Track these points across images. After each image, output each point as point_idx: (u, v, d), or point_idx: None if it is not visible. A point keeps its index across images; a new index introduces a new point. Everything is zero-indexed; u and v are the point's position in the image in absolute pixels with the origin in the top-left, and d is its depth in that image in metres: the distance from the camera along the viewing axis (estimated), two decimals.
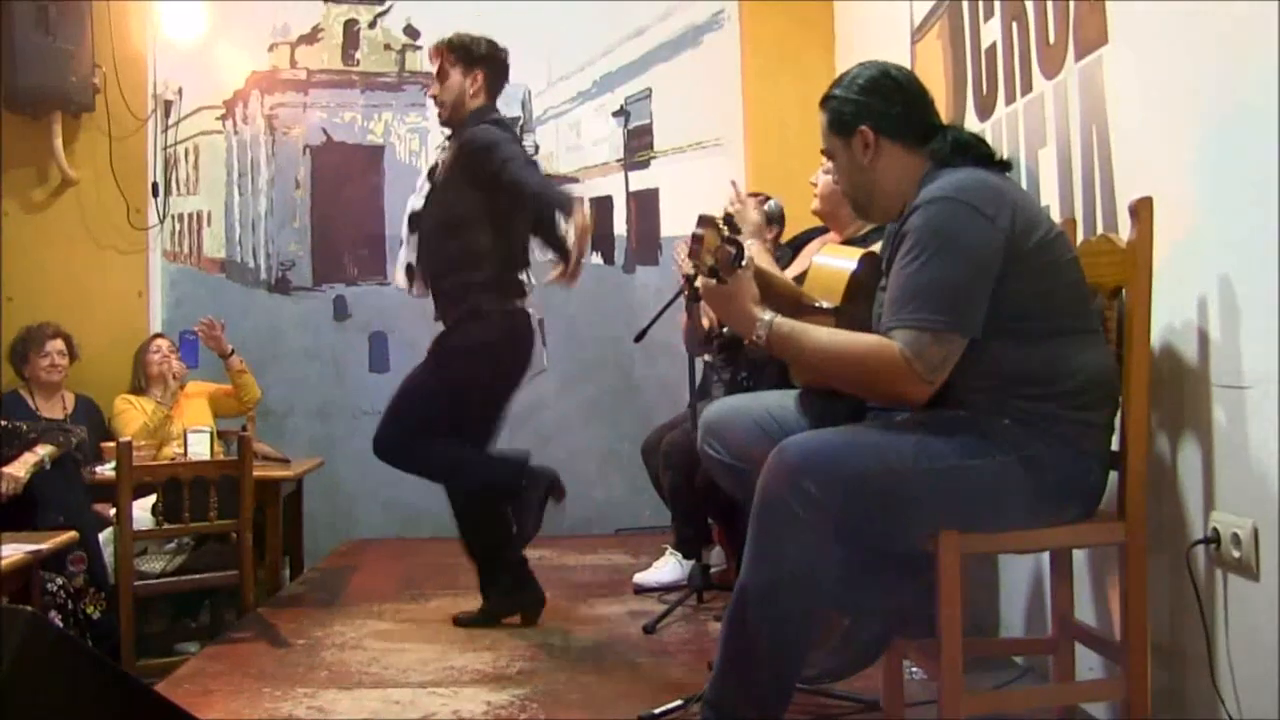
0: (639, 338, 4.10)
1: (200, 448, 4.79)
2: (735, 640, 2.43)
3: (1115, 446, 2.49)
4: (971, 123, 3.93)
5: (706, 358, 4.41)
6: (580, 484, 6.15)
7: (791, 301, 2.65)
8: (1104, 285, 2.57)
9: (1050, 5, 3.25)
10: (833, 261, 2.78)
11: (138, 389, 5.58)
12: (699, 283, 2.60)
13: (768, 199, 4.49)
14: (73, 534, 3.80)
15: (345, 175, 6.39)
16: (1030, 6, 3.40)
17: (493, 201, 4.10)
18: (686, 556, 4.65)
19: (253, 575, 4.51)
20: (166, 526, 4.35)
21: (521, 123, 6.27)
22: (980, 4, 3.87)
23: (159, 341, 5.71)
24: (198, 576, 4.50)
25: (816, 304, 2.65)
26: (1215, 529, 2.42)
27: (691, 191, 6.11)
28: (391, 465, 4.26)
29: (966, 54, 4.03)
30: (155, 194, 6.24)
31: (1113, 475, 2.49)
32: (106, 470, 4.67)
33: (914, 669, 3.11)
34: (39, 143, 5.96)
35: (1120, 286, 2.52)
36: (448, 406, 4.15)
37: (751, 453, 2.53)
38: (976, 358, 2.37)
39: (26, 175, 6.05)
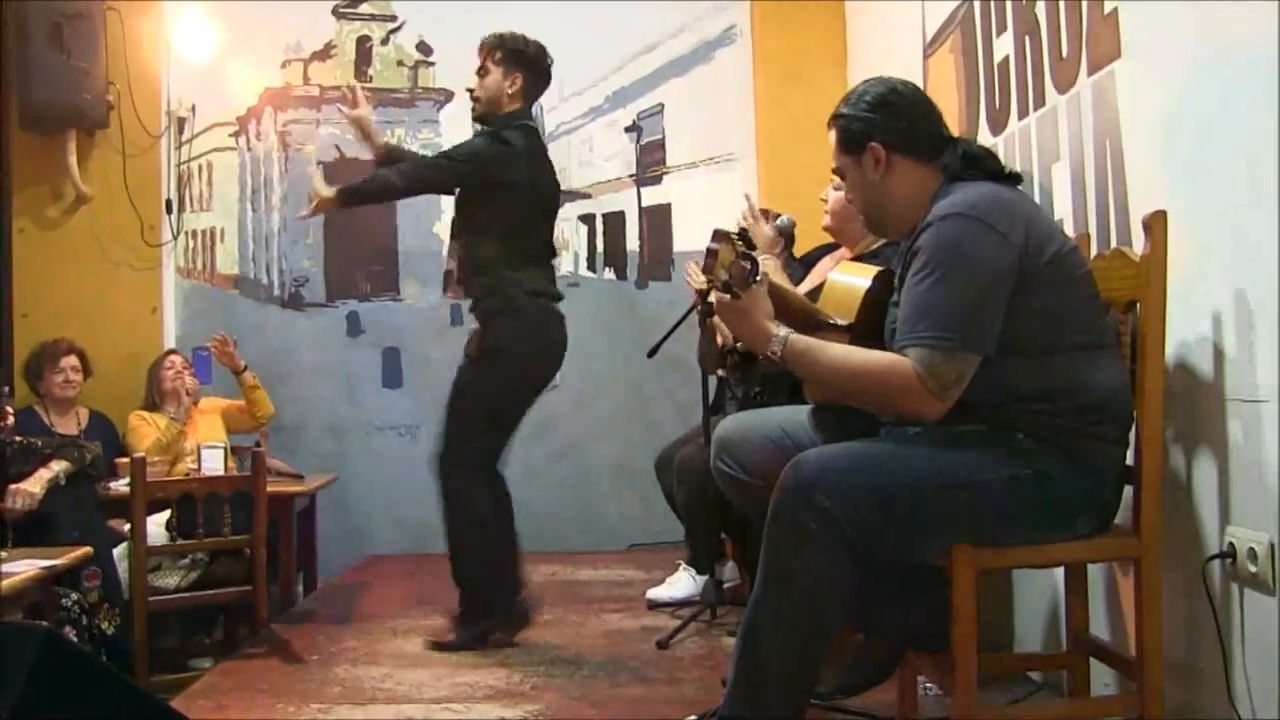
0: (652, 353, 4.11)
1: (214, 463, 4.81)
2: (748, 656, 2.43)
3: (1130, 461, 2.49)
4: (984, 137, 3.93)
5: (720, 373, 4.41)
6: (593, 499, 6.19)
7: (805, 318, 2.66)
8: (1118, 299, 2.57)
9: (1063, 20, 3.26)
10: (847, 279, 2.79)
11: (151, 405, 5.60)
12: (713, 298, 2.61)
13: (779, 215, 4.50)
14: (87, 550, 3.82)
15: None
16: (1043, 21, 3.41)
17: (496, 204, 4.14)
18: (700, 572, 4.65)
19: (266, 591, 4.52)
20: (180, 542, 4.37)
21: None
22: (993, 18, 3.88)
23: (172, 358, 5.73)
24: (211, 592, 4.52)
25: (830, 320, 2.66)
26: (1231, 543, 2.42)
27: (704, 207, 6.14)
28: (440, 481, 4.22)
29: (979, 68, 4.03)
30: (169, 210, 6.27)
31: (1127, 490, 2.49)
32: (120, 486, 4.68)
33: (928, 685, 3.11)
34: (53, 160, 6.00)
35: (1134, 301, 2.52)
36: (493, 414, 4.18)
37: (765, 468, 2.53)
38: (991, 373, 2.37)
39: (41, 192, 6.09)
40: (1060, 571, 2.96)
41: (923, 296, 2.38)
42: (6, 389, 4.47)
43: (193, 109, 6.34)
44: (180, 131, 6.32)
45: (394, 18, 6.48)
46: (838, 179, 3.71)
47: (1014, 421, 2.40)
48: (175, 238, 6.30)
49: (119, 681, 2.29)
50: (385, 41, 6.49)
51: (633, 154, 6.46)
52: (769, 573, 2.38)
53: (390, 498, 6.16)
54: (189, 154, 6.35)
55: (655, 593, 4.78)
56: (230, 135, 6.40)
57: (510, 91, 4.28)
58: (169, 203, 6.27)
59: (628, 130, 6.45)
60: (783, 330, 2.50)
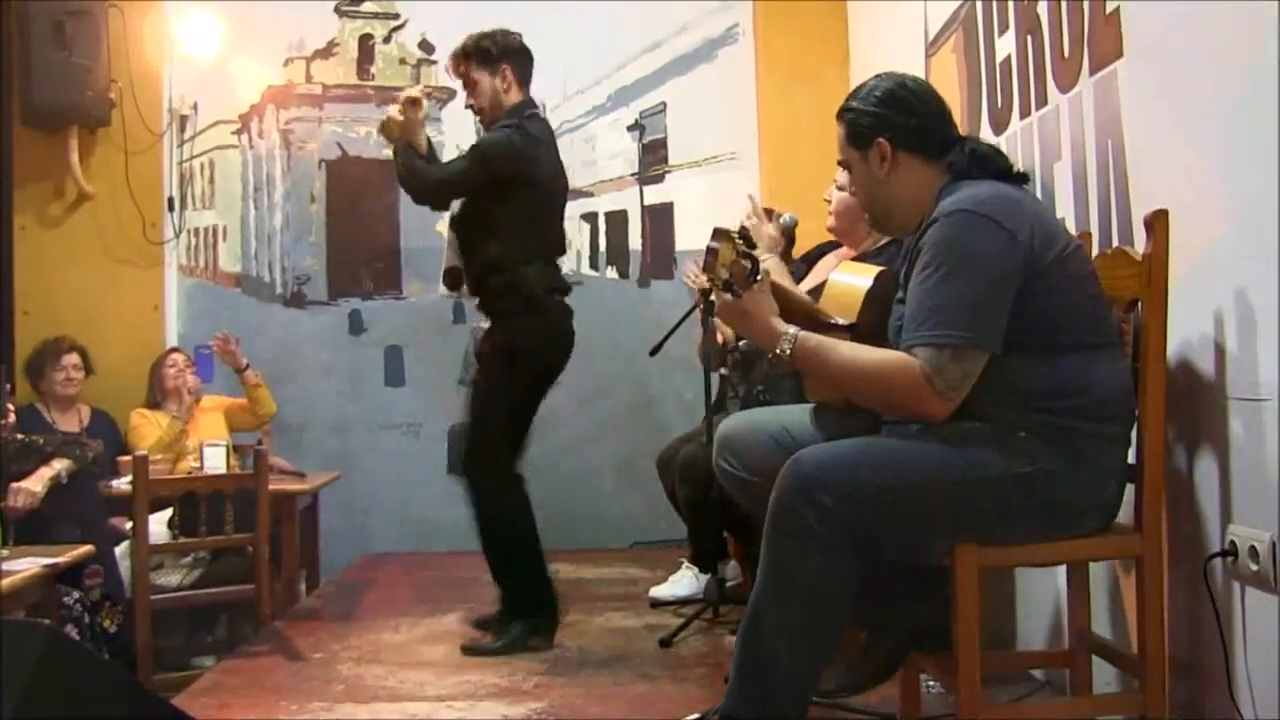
0: (654, 351, 4.12)
1: (216, 461, 4.82)
2: (750, 654, 2.43)
3: (1132, 459, 2.50)
4: (986, 136, 3.94)
5: (723, 371, 4.42)
6: (595, 498, 6.19)
7: (807, 317, 2.66)
8: (1120, 298, 2.58)
9: (1065, 19, 3.27)
10: (848, 278, 2.79)
11: (153, 403, 5.62)
12: (714, 297, 2.61)
13: (781, 214, 4.51)
14: (89, 548, 3.83)
15: (360, 189, 6.42)
16: (1045, 20, 3.41)
17: (516, 199, 4.12)
18: (702, 570, 4.65)
19: (269, 589, 4.53)
20: (182, 540, 4.38)
21: None
22: (995, 17, 3.88)
23: (174, 356, 5.74)
24: (214, 590, 4.53)
25: (833, 320, 2.66)
26: (1233, 542, 2.42)
27: (706, 206, 6.15)
28: (469, 484, 4.20)
29: (981, 67, 4.04)
30: (171, 208, 6.28)
31: (1130, 488, 2.50)
32: (123, 484, 4.70)
33: (931, 683, 3.11)
34: (55, 157, 6.02)
35: (1136, 299, 2.53)
36: (519, 410, 4.18)
37: (766, 467, 2.53)
38: (995, 371, 2.38)
39: (43, 190, 6.10)
40: (1062, 570, 2.97)
41: (929, 294, 2.39)
42: (8, 387, 4.48)
43: (195, 106, 6.35)
44: (182, 129, 6.33)
45: (396, 16, 6.49)
46: (841, 179, 3.75)
47: (1017, 420, 2.40)
48: (177, 235, 6.31)
49: (122, 680, 2.30)
50: (388, 40, 6.50)
51: (635, 152, 6.46)
52: (770, 571, 2.39)
53: (393, 496, 6.17)
54: (191, 152, 6.36)
55: (658, 591, 4.78)
56: (233, 133, 6.42)
57: (505, 87, 4.25)
58: (171, 200, 6.28)
59: (630, 129, 6.46)
60: (791, 329, 2.51)
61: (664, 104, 6.44)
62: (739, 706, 2.44)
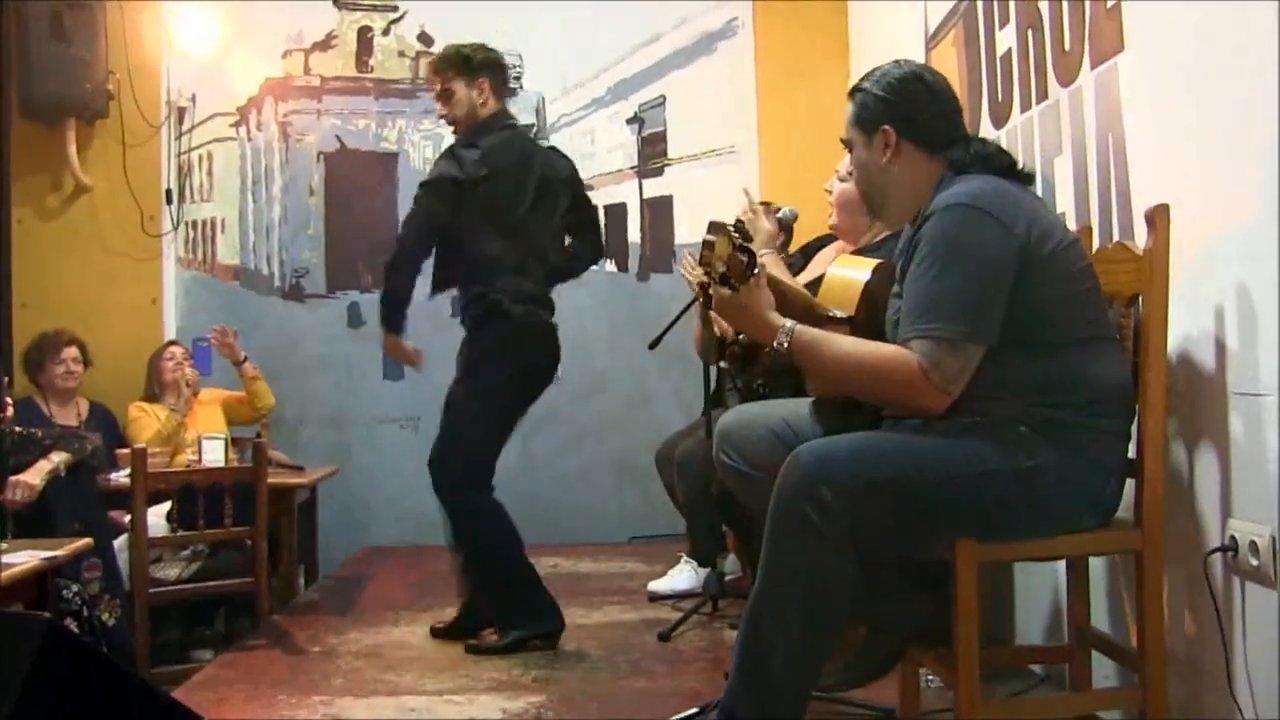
0: (653, 345, 4.12)
1: (215, 455, 4.82)
2: (750, 649, 2.43)
3: (1132, 454, 2.50)
4: (987, 130, 3.94)
5: (722, 365, 4.41)
6: (594, 492, 6.20)
7: (805, 311, 2.66)
8: (1120, 293, 2.58)
9: (1066, 13, 3.26)
10: (847, 272, 2.79)
11: (151, 396, 5.61)
12: (711, 291, 2.60)
13: (779, 207, 4.50)
14: (88, 541, 3.81)
15: (359, 182, 6.42)
16: (1045, 14, 3.41)
17: (460, 216, 4.11)
18: (701, 564, 4.65)
19: (267, 583, 4.53)
20: (181, 534, 4.39)
21: (536, 129, 6.29)
22: (995, 11, 3.88)
23: (173, 349, 5.74)
24: (212, 584, 4.54)
25: (831, 313, 2.66)
26: (1233, 537, 2.43)
27: (705, 199, 6.14)
28: (443, 501, 4.17)
29: (981, 61, 4.04)
30: (169, 201, 6.28)
31: (1129, 483, 2.50)
32: (121, 477, 4.69)
33: (930, 677, 3.11)
34: (53, 150, 6.02)
35: (1136, 294, 2.53)
36: (493, 416, 4.16)
37: (767, 461, 2.53)
38: (993, 366, 2.38)
39: (40, 182, 6.10)
40: (1062, 565, 2.97)
41: (926, 289, 2.39)
42: (6, 380, 4.47)
43: (193, 99, 6.34)
44: (181, 121, 6.33)
45: (395, 8, 6.48)
46: (843, 169, 3.75)
47: (1016, 414, 2.40)
48: (175, 228, 6.31)
49: (120, 673, 2.29)
50: (386, 32, 6.49)
51: (634, 146, 6.46)
52: (771, 566, 2.39)
53: (391, 489, 6.17)
54: (189, 144, 6.36)
55: (657, 585, 4.79)
56: (231, 125, 6.41)
57: (481, 99, 4.23)
58: (169, 193, 6.28)
59: (629, 122, 6.45)
60: (788, 322, 2.50)
61: (663, 97, 6.44)
62: (739, 701, 2.44)
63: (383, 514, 6.22)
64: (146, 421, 5.44)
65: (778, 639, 2.39)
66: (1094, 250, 2.80)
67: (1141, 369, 2.46)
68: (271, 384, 5.79)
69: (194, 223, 6.38)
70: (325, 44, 6.46)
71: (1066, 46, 3.27)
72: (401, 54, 6.48)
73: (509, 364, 4.14)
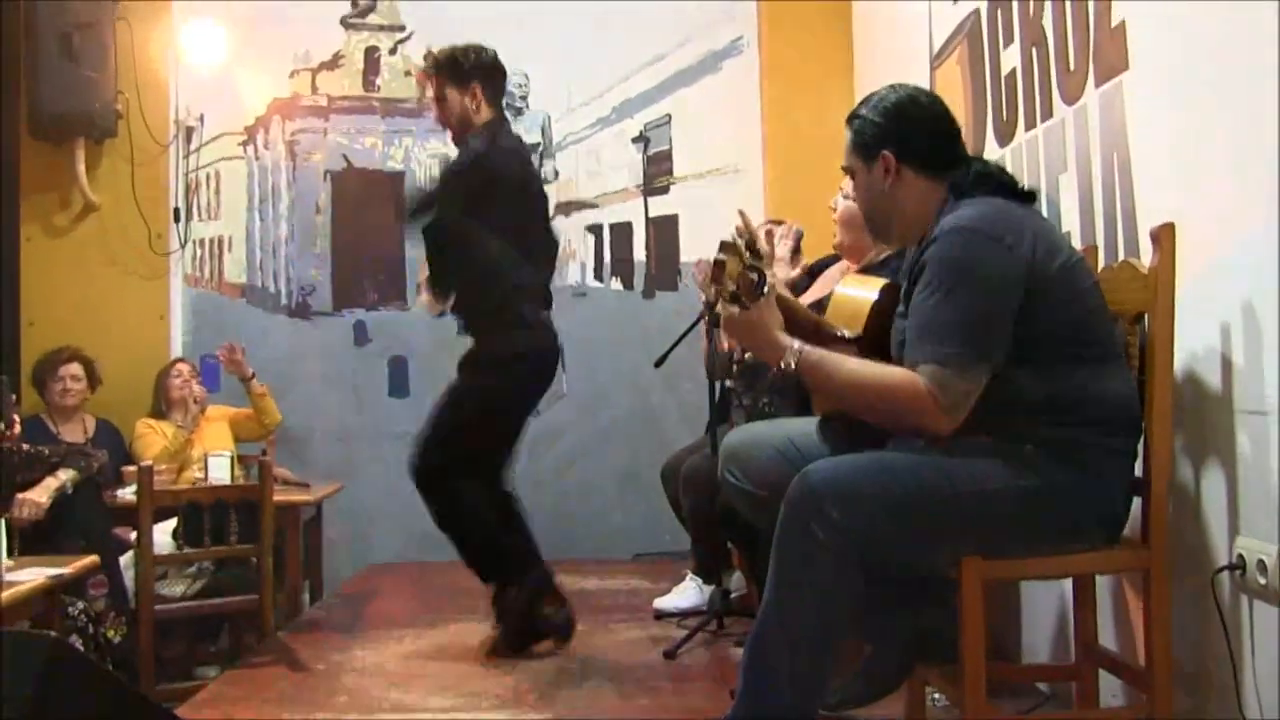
0: (659, 362, 4.11)
1: (221, 472, 4.81)
2: (757, 666, 2.42)
3: (1139, 472, 2.48)
4: (991, 149, 3.94)
5: (728, 383, 4.41)
6: (599, 508, 6.18)
7: (812, 330, 2.65)
8: (1126, 311, 2.57)
9: (1070, 31, 3.26)
10: (854, 291, 2.78)
11: (158, 413, 5.61)
12: (720, 309, 2.60)
13: (780, 222, 4.51)
14: (94, 559, 3.82)
15: (365, 201, 6.41)
16: (1050, 33, 3.41)
17: (478, 213, 4.08)
18: (706, 581, 4.64)
19: (272, 600, 4.51)
20: (187, 551, 4.37)
21: (542, 148, 6.30)
22: (1000, 30, 3.88)
23: (180, 366, 5.74)
24: (218, 601, 4.52)
25: (838, 333, 2.65)
26: (1240, 555, 2.41)
27: (711, 217, 6.11)
28: (421, 490, 4.19)
29: (986, 80, 4.03)
30: (177, 219, 6.28)
31: (1136, 501, 2.49)
32: (127, 494, 4.69)
33: (936, 695, 3.10)
34: (62, 168, 6.01)
35: (1142, 312, 2.52)
36: (489, 423, 4.14)
37: (772, 480, 2.53)
38: (1000, 384, 2.37)
39: (49, 200, 6.10)
40: (1068, 582, 2.96)
41: (931, 312, 2.39)
42: (13, 397, 4.48)
43: (201, 118, 6.35)
44: (188, 140, 6.33)
45: (402, 28, 6.49)
46: (847, 187, 3.74)
47: (1023, 432, 2.40)
48: (183, 246, 6.31)
49: (126, 691, 2.29)
50: (393, 52, 6.49)
51: (640, 164, 6.45)
52: (778, 583, 2.38)
53: (396, 506, 6.12)
54: (197, 163, 6.36)
55: (662, 602, 4.77)
56: (238, 144, 6.41)
57: (474, 105, 4.20)
58: (177, 211, 6.28)
59: (635, 141, 6.45)
60: (796, 342, 2.50)
61: (669, 116, 6.44)
62: (744, 717, 2.42)
63: (387, 530, 6.20)
64: (153, 438, 5.43)
65: (784, 656, 2.39)
66: (1099, 269, 2.80)
67: (1148, 387, 2.46)
68: (278, 401, 5.78)
69: (201, 241, 6.38)
70: (332, 63, 6.47)
71: (1071, 65, 3.27)
72: (408, 73, 6.47)
73: (522, 372, 4.14)
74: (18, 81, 5.78)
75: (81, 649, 3.70)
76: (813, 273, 4.26)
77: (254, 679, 4.00)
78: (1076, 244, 3.10)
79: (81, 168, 6.01)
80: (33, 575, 3.41)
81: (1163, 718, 2.42)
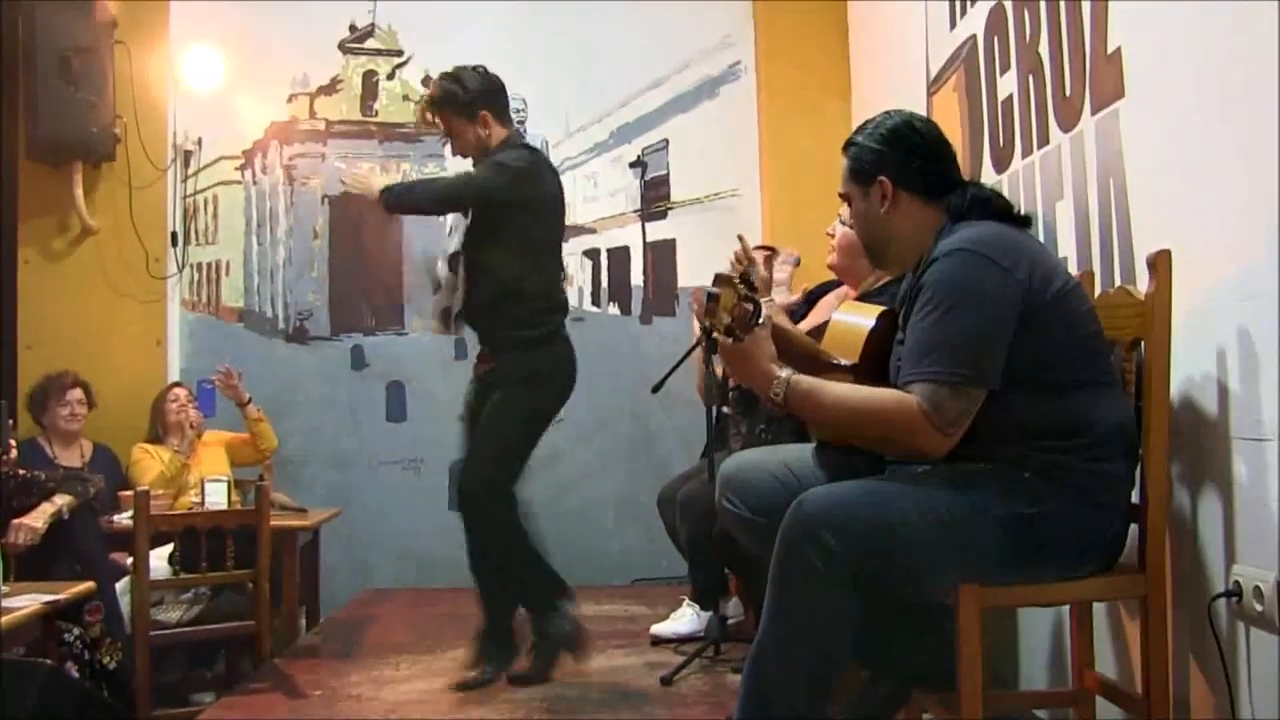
0: (656, 388, 4.10)
1: (217, 497, 4.81)
2: (754, 694, 2.42)
3: (1135, 499, 2.49)
4: (988, 175, 3.96)
5: (725, 409, 4.42)
6: (596, 534, 6.18)
7: (810, 359, 2.67)
8: (1122, 337, 2.59)
9: (1066, 59, 3.28)
10: (851, 319, 2.79)
11: (155, 438, 5.61)
12: (716, 338, 2.61)
13: (772, 249, 4.53)
14: (90, 584, 3.81)
15: (363, 225, 6.43)
16: (1047, 60, 3.43)
17: (524, 222, 4.10)
18: (704, 608, 4.64)
19: (269, 625, 4.51)
20: (183, 576, 4.36)
21: None
22: (997, 57, 3.91)
23: (177, 390, 5.74)
24: (214, 626, 4.51)
25: (835, 361, 2.66)
26: (1237, 582, 2.42)
27: (708, 242, 6.14)
28: (471, 514, 4.13)
29: (983, 106, 4.06)
30: (174, 243, 6.30)
31: (1133, 528, 2.50)
32: (124, 519, 4.69)
33: None
34: (59, 192, 6.03)
35: (1139, 338, 2.54)
36: (532, 440, 4.15)
37: (770, 506, 2.53)
38: (995, 410, 2.38)
39: (47, 224, 6.12)
40: (1064, 608, 2.96)
41: (927, 332, 2.40)
42: (10, 421, 4.48)
43: (199, 142, 6.38)
44: (186, 164, 6.36)
45: (400, 52, 6.53)
46: (844, 214, 3.76)
47: (1020, 459, 2.41)
48: (180, 270, 6.33)
49: (121, 718, 2.30)
50: (391, 76, 6.53)
51: (637, 189, 6.48)
52: (774, 610, 2.39)
53: (393, 531, 6.16)
54: (195, 187, 6.39)
55: (659, 628, 4.77)
56: (236, 168, 6.44)
57: (486, 132, 4.18)
58: (174, 235, 6.30)
59: (632, 165, 6.48)
60: (785, 372, 2.50)
61: (666, 141, 6.47)
62: None
63: (384, 556, 6.21)
64: (150, 463, 5.44)
65: (781, 683, 2.39)
66: (1096, 294, 2.82)
67: (1144, 413, 2.47)
68: (275, 425, 5.78)
69: (199, 265, 6.40)
70: (330, 88, 6.50)
71: (1067, 92, 3.29)
72: (406, 98, 6.51)
73: (561, 387, 4.17)
74: (16, 105, 5.80)
75: (77, 675, 3.69)
76: (811, 298, 4.28)
77: (250, 705, 4.00)
78: (1073, 270, 3.11)
79: (79, 191, 6.03)
80: (28, 601, 3.40)
81: None
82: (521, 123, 6.30)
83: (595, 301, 6.45)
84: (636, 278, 6.47)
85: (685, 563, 4.80)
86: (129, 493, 4.71)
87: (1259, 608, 2.34)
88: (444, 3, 6.42)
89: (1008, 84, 3.80)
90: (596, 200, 6.47)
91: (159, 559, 4.38)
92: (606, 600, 5.69)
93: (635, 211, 6.48)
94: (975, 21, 4.10)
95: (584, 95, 6.44)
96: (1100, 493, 2.42)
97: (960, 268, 2.41)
